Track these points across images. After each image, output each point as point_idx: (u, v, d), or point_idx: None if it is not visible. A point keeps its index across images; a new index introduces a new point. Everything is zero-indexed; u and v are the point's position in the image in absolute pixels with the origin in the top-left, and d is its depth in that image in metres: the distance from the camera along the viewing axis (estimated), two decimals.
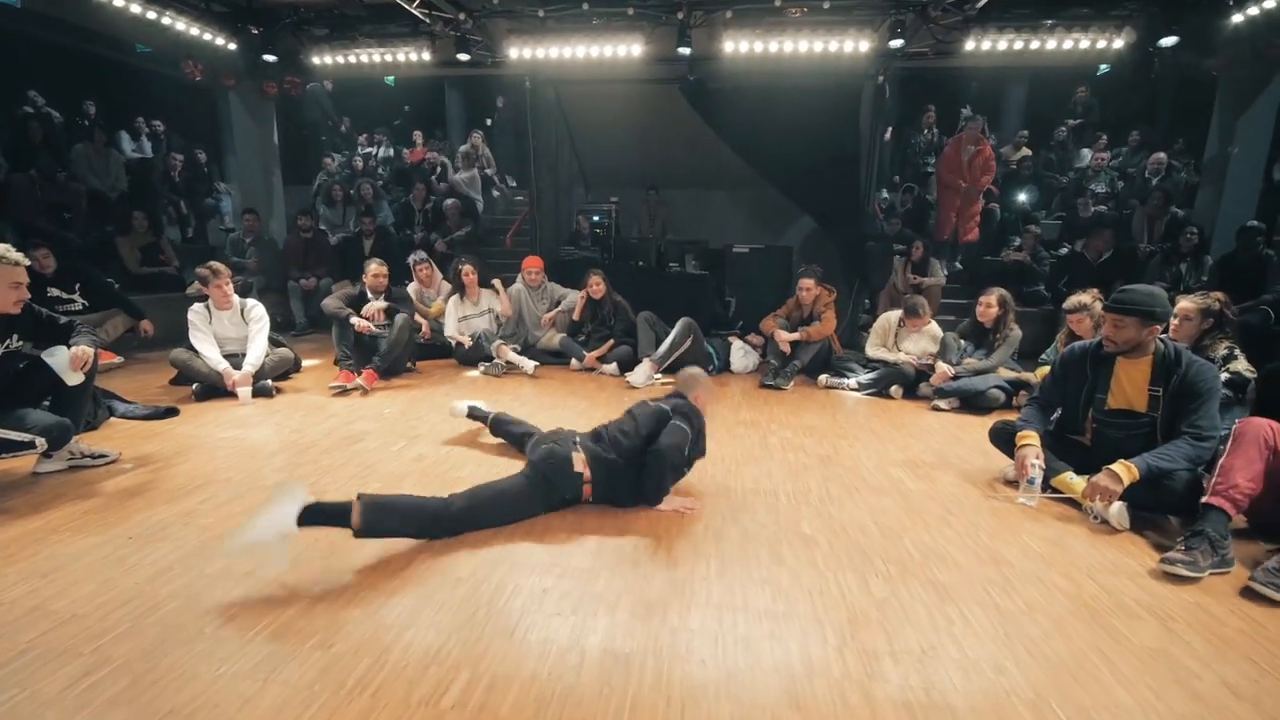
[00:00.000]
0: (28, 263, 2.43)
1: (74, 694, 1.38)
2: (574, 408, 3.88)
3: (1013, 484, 2.72)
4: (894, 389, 4.39)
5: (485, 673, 1.47)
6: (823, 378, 4.70)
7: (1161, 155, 7.02)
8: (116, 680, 1.42)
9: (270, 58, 6.32)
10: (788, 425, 3.62)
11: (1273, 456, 2.14)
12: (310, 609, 1.71)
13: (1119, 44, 5.40)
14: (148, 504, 2.36)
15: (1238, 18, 5.03)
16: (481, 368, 4.87)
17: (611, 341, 4.99)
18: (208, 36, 5.95)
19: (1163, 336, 2.52)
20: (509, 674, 1.47)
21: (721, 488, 2.65)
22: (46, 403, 2.68)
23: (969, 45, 5.48)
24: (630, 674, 1.48)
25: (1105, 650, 1.63)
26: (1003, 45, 5.45)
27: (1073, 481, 2.57)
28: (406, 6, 5.37)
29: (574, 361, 5.00)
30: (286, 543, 1.79)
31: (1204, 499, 2.16)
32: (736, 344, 5.24)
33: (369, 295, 4.56)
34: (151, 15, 5.34)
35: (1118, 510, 2.35)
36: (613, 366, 4.85)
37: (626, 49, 5.73)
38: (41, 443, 2.49)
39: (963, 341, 4.37)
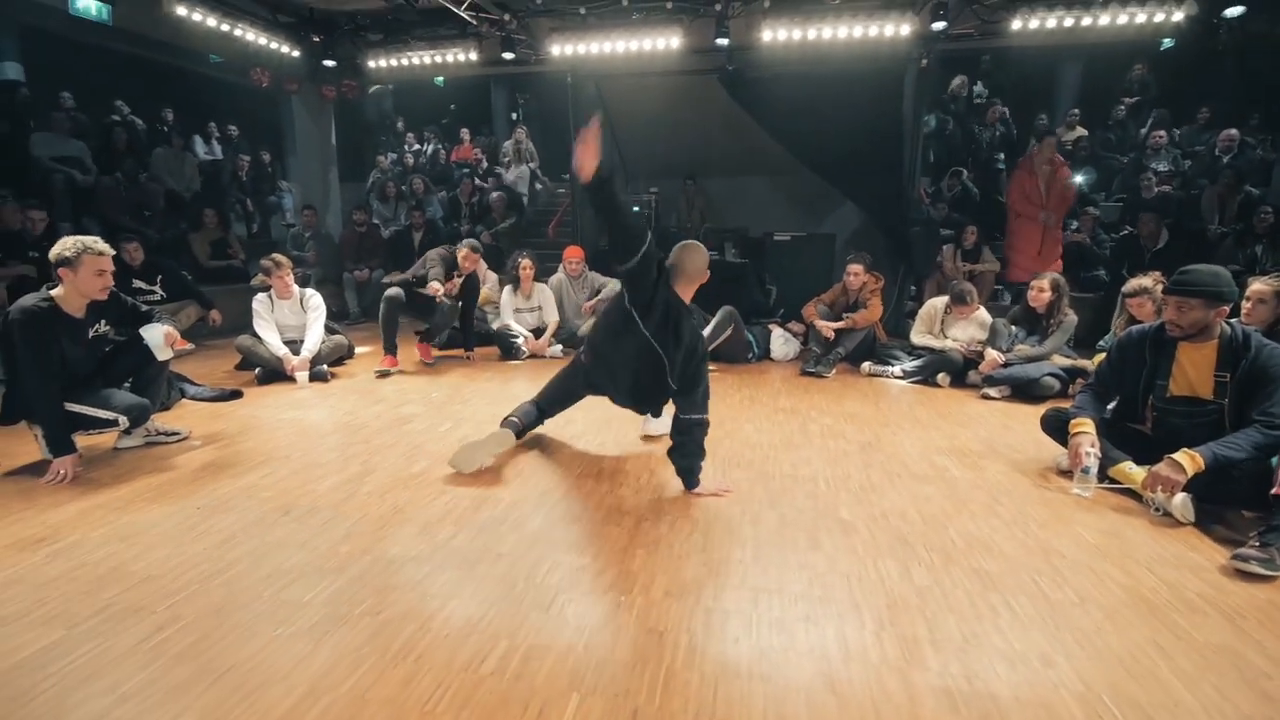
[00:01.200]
0: (113, 252, 2.62)
1: (147, 647, 1.50)
2: None
3: (1066, 474, 2.62)
4: (941, 376, 4.25)
5: (523, 643, 1.52)
6: (866, 365, 4.60)
7: (1233, 131, 6.55)
8: (185, 636, 1.54)
9: (330, 63, 6.67)
10: (828, 412, 3.57)
11: None
12: (361, 578, 1.80)
13: (1178, 17, 5.04)
14: (214, 478, 2.53)
15: None
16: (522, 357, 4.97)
17: None
18: (274, 45, 6.30)
19: (1230, 320, 2.38)
20: (545, 645, 1.52)
21: (759, 474, 2.64)
22: (128, 384, 2.90)
23: (1015, 25, 5.23)
24: (664, 650, 1.51)
25: (1164, 645, 1.56)
26: (1051, 23, 5.17)
27: (1132, 471, 2.45)
28: (455, 10, 5.52)
29: None
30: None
31: (1275, 490, 2.03)
32: (776, 331, 5.18)
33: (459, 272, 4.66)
34: (225, 28, 5.72)
35: (1181, 502, 2.23)
36: None
37: (665, 42, 5.75)
38: (124, 421, 2.71)
39: (1014, 328, 4.20)
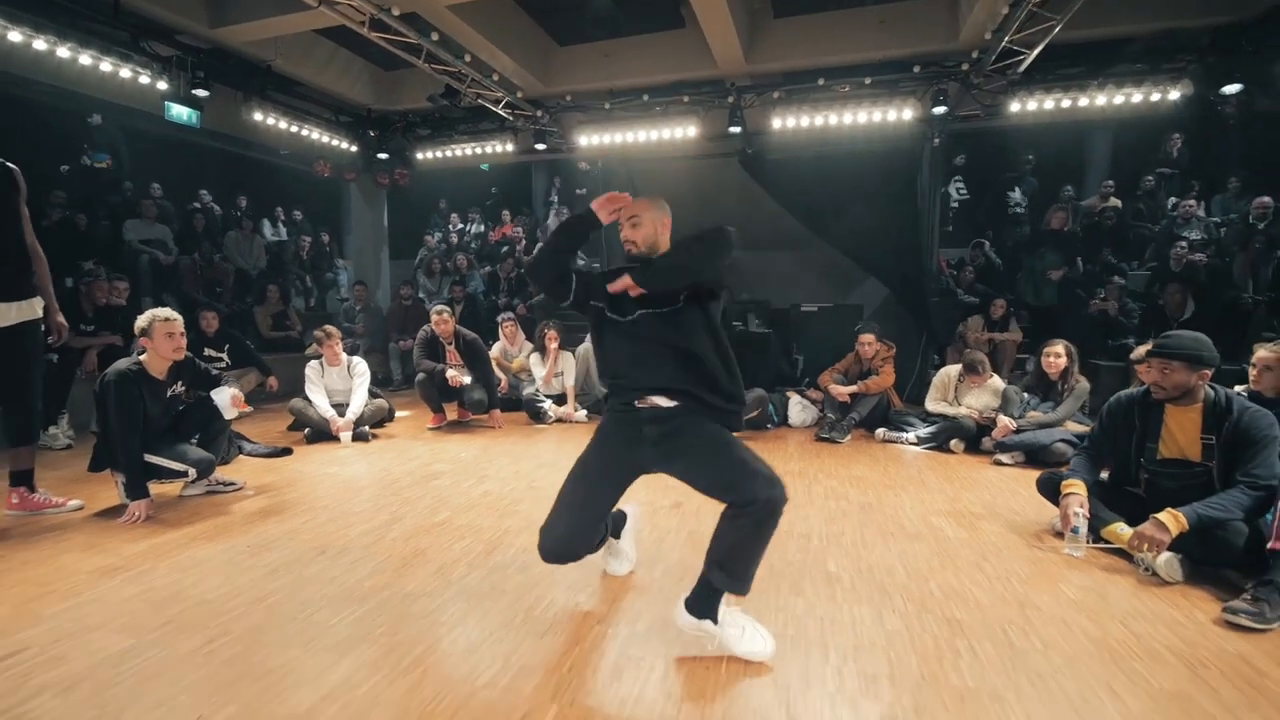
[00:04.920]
0: (178, 317, 3.07)
1: (201, 653, 1.76)
2: None
3: (1061, 535, 2.67)
4: (954, 443, 4.33)
5: (516, 663, 1.71)
6: (880, 432, 4.71)
7: (1266, 199, 6.59)
8: (231, 647, 1.79)
9: (383, 155, 7.53)
10: (835, 475, 3.69)
11: None
12: (381, 607, 2.03)
13: (1174, 96, 5.33)
14: (263, 522, 2.84)
15: None
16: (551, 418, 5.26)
17: None
18: (335, 142, 7.19)
19: (1213, 384, 2.49)
20: (536, 664, 1.70)
21: None
22: (195, 439, 3.29)
23: (1014, 107, 5.60)
24: (641, 671, 1.68)
25: (1118, 689, 1.63)
26: (1049, 105, 5.52)
27: (1123, 532, 2.50)
28: (493, 109, 6.24)
29: None
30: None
31: (1270, 544, 2.09)
32: (794, 399, 5.34)
33: (440, 339, 5.09)
34: (294, 128, 6.65)
35: (1166, 561, 2.28)
36: None
37: (683, 131, 6.36)
38: (193, 472, 3.09)
39: (1026, 395, 4.27)
